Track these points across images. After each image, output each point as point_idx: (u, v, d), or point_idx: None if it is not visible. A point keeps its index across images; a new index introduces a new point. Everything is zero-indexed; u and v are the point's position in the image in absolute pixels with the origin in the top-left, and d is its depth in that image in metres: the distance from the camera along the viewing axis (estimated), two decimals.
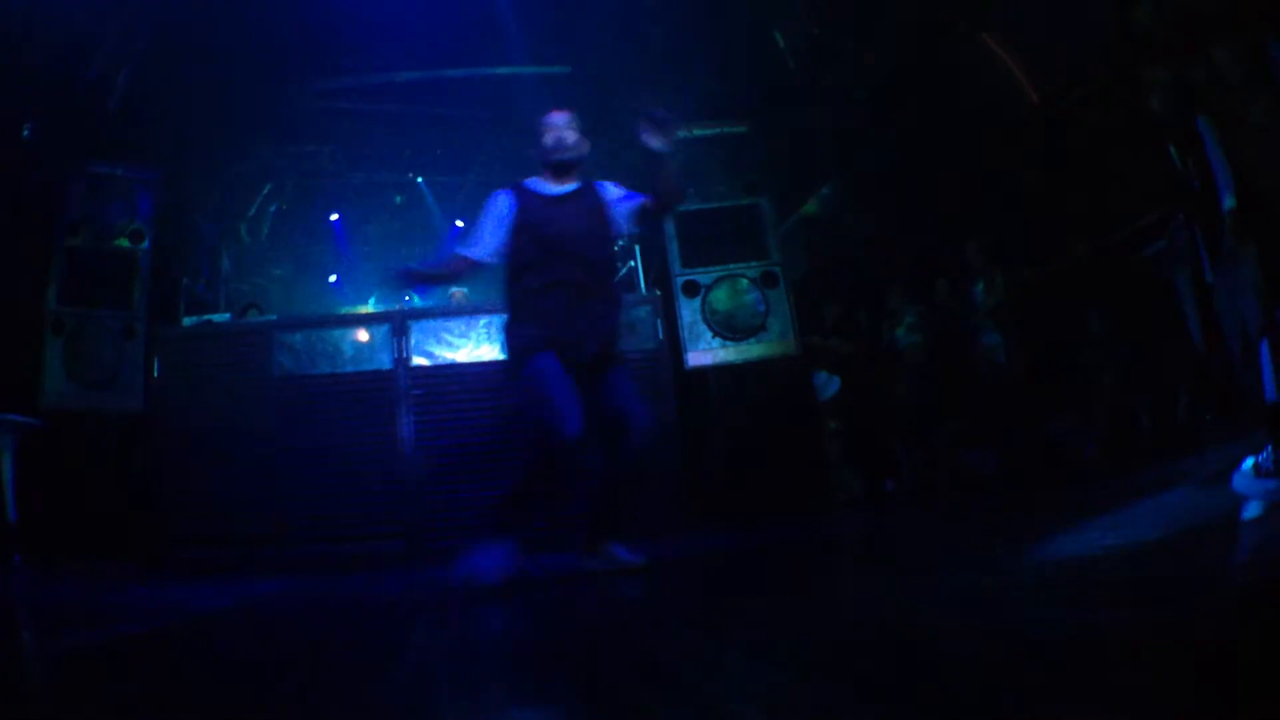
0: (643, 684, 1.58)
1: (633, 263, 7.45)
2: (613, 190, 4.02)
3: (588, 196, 3.97)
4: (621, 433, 3.67)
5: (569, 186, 3.98)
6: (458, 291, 7.50)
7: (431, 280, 4.22)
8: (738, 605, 2.68)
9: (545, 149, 3.95)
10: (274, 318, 7.48)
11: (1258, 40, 3.68)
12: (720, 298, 6.66)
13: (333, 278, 13.96)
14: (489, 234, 3.88)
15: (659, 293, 6.78)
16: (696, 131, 6.98)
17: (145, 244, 6.62)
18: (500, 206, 3.91)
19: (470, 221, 4.00)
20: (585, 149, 4.00)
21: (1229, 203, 3.34)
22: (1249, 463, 3.02)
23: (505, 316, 3.95)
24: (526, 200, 3.91)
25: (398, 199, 12.34)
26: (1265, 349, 3.64)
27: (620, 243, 4.00)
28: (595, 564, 3.78)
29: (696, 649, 1.93)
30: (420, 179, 11.73)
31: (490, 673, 1.86)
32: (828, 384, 7.98)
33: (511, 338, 3.85)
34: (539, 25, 7.82)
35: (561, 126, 3.95)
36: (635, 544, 3.84)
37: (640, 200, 3.96)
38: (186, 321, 6.96)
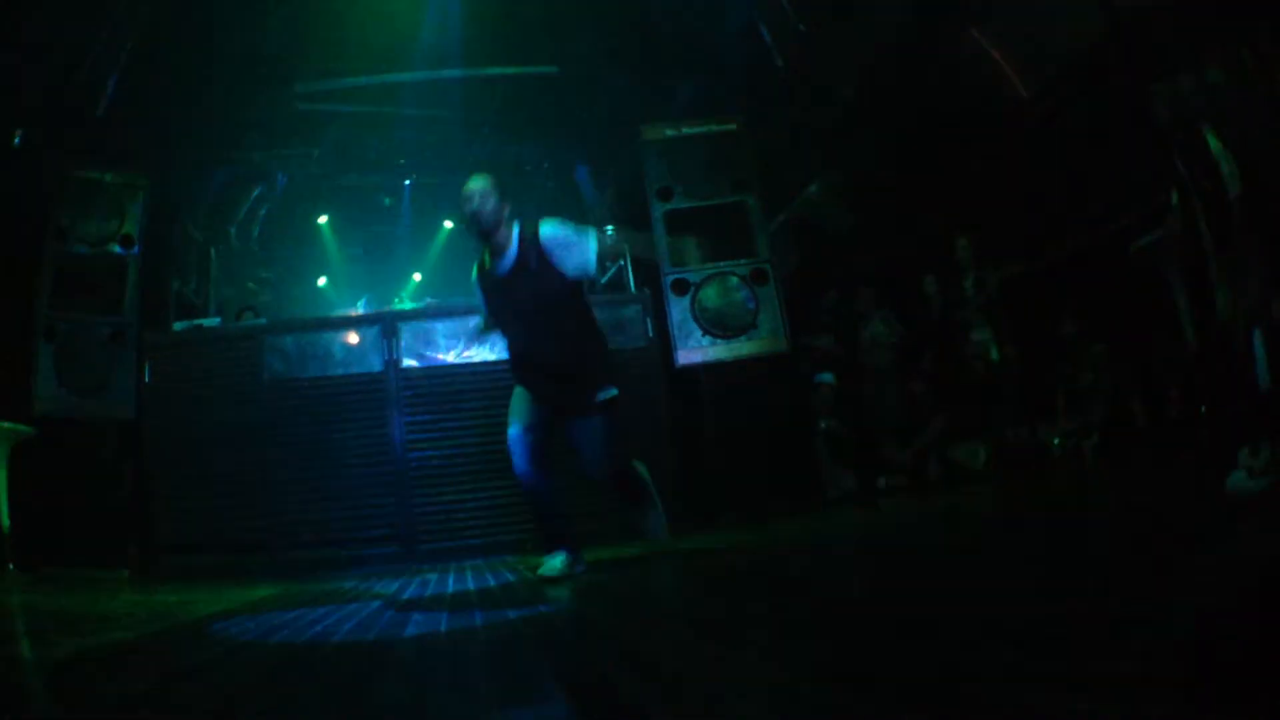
0: (632, 678, 1.59)
1: (622, 261, 7.45)
2: (553, 241, 3.91)
3: (527, 262, 3.92)
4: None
5: (508, 257, 3.95)
6: None
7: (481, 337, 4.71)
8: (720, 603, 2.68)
9: (465, 223, 4.00)
10: (264, 321, 7.47)
11: (1250, 47, 3.70)
12: (710, 295, 6.65)
13: (322, 280, 13.94)
14: (479, 300, 4.24)
15: (648, 291, 6.78)
16: (685, 130, 6.97)
17: (134, 249, 6.60)
18: (473, 277, 4.20)
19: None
20: (503, 212, 3.92)
21: (1236, 189, 3.36)
22: (1242, 454, 3.02)
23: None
24: (482, 276, 4.13)
25: (386, 201, 12.32)
26: (1258, 339, 3.65)
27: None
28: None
29: (689, 647, 1.94)
30: (409, 180, 11.71)
31: (481, 669, 1.86)
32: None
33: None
34: (527, 25, 7.82)
35: (476, 197, 3.87)
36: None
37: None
38: (176, 326, 6.94)
